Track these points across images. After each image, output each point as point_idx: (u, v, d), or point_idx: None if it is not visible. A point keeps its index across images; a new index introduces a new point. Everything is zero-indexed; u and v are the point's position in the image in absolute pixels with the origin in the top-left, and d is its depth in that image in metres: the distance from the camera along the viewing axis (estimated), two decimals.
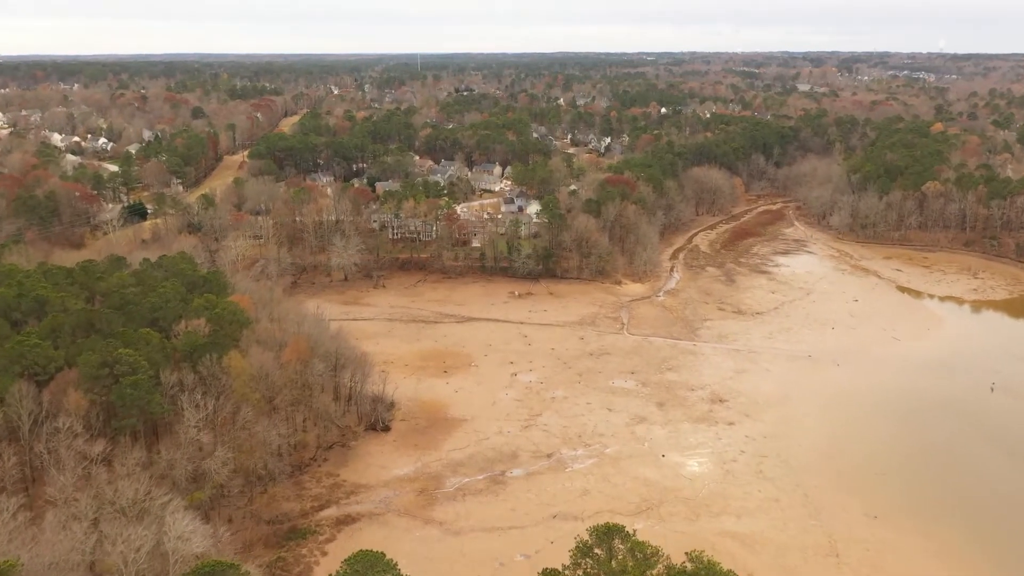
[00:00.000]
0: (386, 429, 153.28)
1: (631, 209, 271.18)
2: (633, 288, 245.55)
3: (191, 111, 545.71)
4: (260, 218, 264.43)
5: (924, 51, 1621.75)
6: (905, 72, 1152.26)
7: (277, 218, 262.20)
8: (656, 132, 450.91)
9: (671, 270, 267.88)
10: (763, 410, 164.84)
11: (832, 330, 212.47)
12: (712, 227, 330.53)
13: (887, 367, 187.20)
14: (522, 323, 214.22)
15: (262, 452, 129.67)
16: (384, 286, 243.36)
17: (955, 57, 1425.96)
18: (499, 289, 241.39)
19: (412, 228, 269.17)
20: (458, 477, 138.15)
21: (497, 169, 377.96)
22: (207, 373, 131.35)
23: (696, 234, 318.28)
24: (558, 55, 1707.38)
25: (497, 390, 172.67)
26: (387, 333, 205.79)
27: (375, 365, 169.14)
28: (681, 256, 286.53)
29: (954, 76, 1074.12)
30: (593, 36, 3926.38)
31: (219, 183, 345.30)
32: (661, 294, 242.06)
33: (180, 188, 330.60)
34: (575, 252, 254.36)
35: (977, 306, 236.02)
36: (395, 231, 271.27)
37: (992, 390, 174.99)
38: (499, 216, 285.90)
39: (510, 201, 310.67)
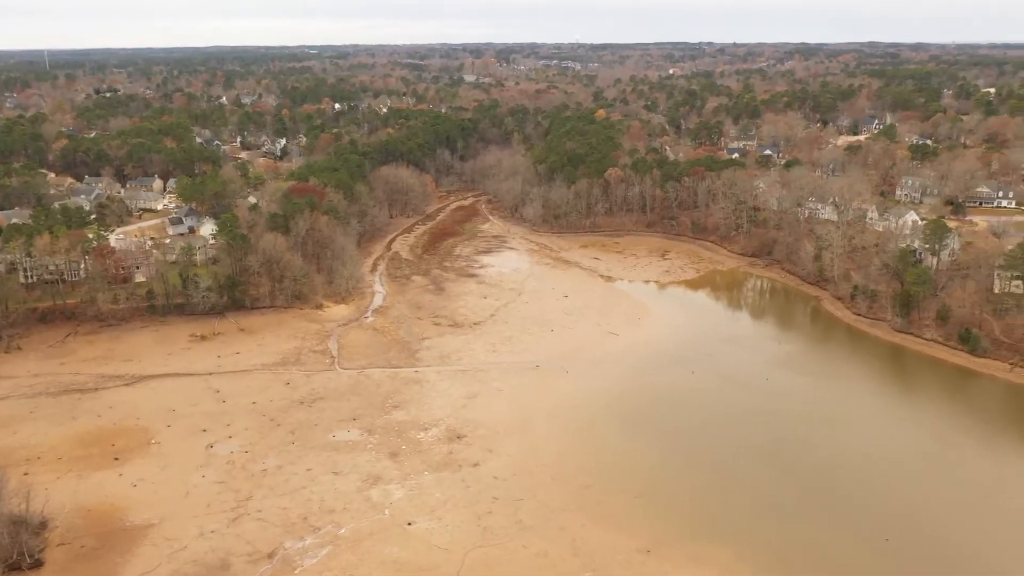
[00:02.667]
0: (36, 565, 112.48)
1: (323, 220, 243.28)
2: (338, 311, 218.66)
3: None
4: None
5: (567, 41, 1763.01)
6: (555, 61, 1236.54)
7: None
8: (335, 130, 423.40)
9: (375, 285, 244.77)
10: (505, 441, 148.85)
11: (552, 332, 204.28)
12: (409, 230, 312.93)
13: (615, 367, 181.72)
14: (211, 374, 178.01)
15: None
16: (19, 348, 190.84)
17: (594, 47, 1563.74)
18: (177, 333, 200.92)
19: (52, 268, 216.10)
20: None
21: (157, 183, 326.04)
22: None
23: (394, 239, 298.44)
24: (213, 50, 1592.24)
25: (190, 473, 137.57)
26: (28, 415, 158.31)
27: (10, 468, 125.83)
28: (383, 266, 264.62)
29: (596, 64, 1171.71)
30: (249, 29, 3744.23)
31: None
32: (370, 314, 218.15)
33: None
34: (265, 277, 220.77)
35: (674, 288, 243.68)
36: (29, 274, 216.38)
37: (693, 373, 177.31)
38: (166, 241, 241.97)
39: (178, 221, 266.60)
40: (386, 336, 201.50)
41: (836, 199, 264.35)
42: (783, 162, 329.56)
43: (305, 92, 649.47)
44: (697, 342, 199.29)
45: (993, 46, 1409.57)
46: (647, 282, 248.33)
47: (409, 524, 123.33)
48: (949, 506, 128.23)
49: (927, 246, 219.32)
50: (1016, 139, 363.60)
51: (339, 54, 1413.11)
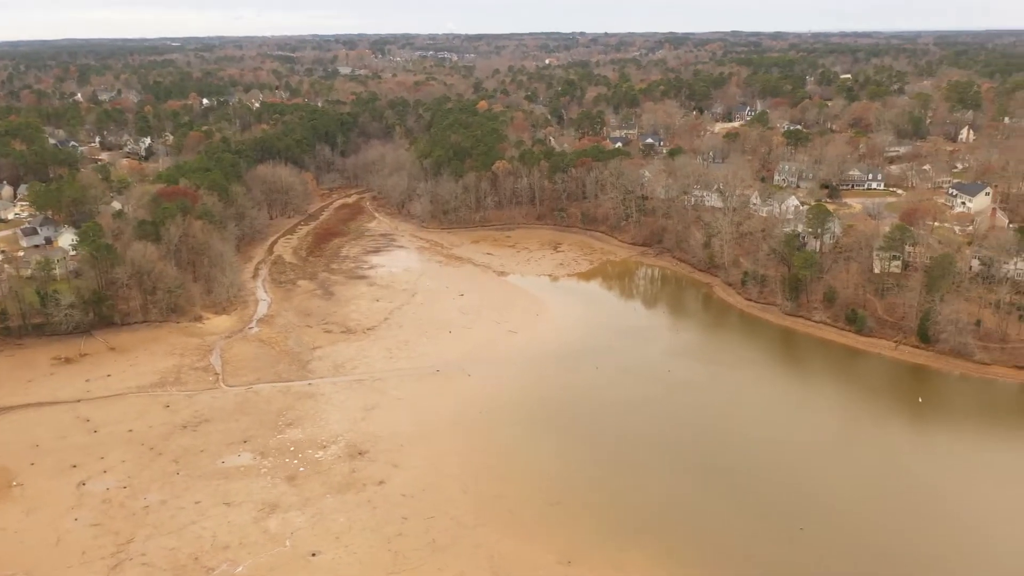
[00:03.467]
0: None
1: (198, 226, 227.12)
2: (219, 323, 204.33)
3: None
4: None
5: (441, 32, 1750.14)
6: (431, 53, 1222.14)
7: None
8: (204, 128, 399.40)
9: (259, 292, 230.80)
10: (410, 453, 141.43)
11: (450, 333, 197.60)
12: (292, 231, 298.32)
13: (518, 367, 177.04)
14: (79, 401, 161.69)
15: None
16: None
17: (469, 38, 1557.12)
18: (37, 357, 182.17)
19: None
20: None
21: (6, 190, 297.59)
22: None
23: (276, 242, 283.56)
24: (65, 43, 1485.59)
25: (60, 517, 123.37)
26: None
27: None
28: (265, 272, 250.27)
29: (472, 55, 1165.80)
30: (104, 21, 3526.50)
31: None
32: (254, 325, 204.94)
33: None
34: (135, 290, 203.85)
35: (570, 281, 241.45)
36: None
37: (597, 368, 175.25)
38: (19, 255, 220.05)
39: (32, 232, 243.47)
40: (274, 347, 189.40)
41: (720, 186, 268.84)
42: (666, 150, 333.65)
43: (169, 87, 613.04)
44: (597, 336, 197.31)
45: (844, 35, 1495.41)
46: (542, 276, 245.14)
47: (313, 555, 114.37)
48: (855, 488, 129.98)
49: (810, 230, 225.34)
50: (878, 123, 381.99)
51: (204, 46, 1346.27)
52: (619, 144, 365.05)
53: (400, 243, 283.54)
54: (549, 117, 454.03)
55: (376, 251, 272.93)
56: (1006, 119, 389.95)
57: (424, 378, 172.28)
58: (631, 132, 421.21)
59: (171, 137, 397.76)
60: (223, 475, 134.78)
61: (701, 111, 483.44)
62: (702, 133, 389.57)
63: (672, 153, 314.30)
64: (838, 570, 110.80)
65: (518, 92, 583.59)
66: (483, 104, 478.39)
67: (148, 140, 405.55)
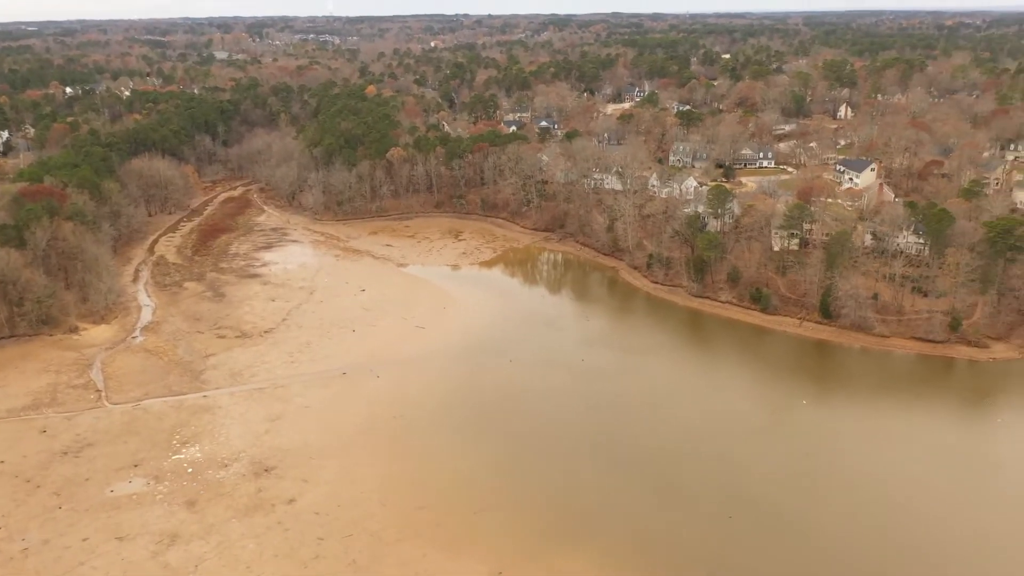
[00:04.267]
0: None
1: (68, 227, 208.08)
2: (98, 333, 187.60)
3: None
4: None
5: (321, 14, 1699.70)
6: (312, 36, 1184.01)
7: None
8: (70, 119, 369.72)
9: (141, 297, 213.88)
10: (321, 467, 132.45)
11: (354, 332, 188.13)
12: (174, 228, 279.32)
13: (429, 365, 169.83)
14: None
15: None
16: None
17: (350, 20, 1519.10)
18: None
19: None
20: None
21: None
22: None
23: (157, 241, 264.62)
24: None
25: None
26: None
27: None
28: (147, 274, 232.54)
29: (355, 38, 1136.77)
30: None
31: None
32: (138, 334, 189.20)
33: None
34: (0, 302, 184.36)
35: (474, 270, 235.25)
36: None
37: (511, 362, 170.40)
38: None
39: None
40: (162, 358, 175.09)
41: (619, 168, 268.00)
42: (563, 134, 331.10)
43: (27, 75, 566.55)
44: (508, 327, 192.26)
45: (719, 15, 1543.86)
46: (446, 266, 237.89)
47: None
48: (775, 469, 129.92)
49: (711, 211, 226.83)
50: (763, 102, 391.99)
51: (64, 30, 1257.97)
52: (514, 128, 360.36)
53: (293, 237, 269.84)
54: (441, 101, 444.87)
55: (268, 247, 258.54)
56: (879, 96, 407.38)
57: (330, 382, 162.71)
58: (525, 115, 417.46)
59: (32, 130, 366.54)
60: (113, 506, 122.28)
61: (592, 93, 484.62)
62: (595, 115, 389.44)
63: (569, 136, 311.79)
64: (770, 555, 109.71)
65: (406, 76, 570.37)
66: (372, 89, 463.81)
67: (6, 134, 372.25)
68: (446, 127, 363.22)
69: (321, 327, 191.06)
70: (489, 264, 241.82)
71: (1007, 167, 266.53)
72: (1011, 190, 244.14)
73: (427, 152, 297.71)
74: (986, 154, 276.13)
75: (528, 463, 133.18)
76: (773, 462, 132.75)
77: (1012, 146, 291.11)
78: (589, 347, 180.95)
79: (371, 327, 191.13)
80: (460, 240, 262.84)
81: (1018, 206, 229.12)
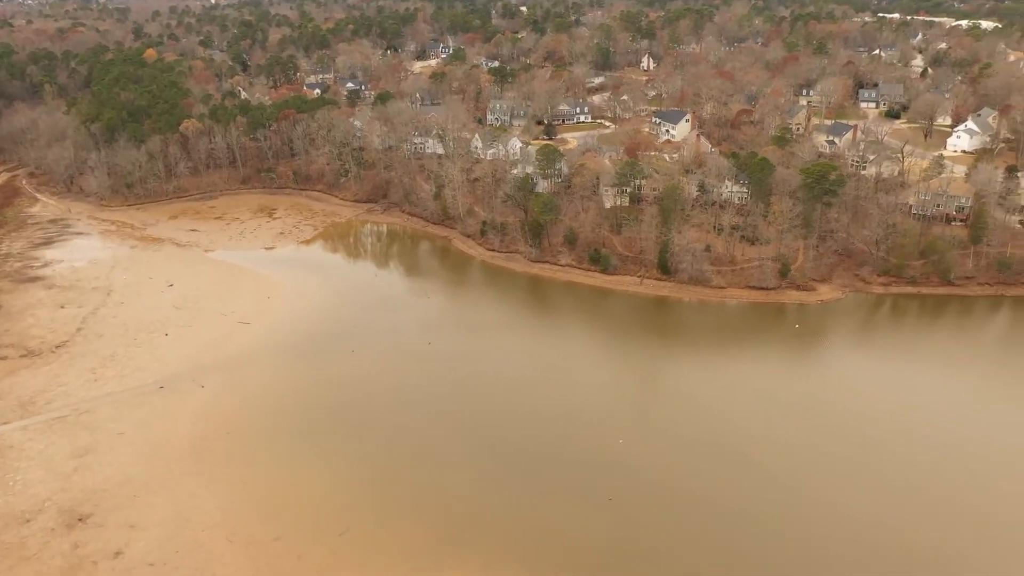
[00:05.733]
0: None
1: None
2: None
3: None
4: None
5: None
6: None
7: None
8: None
9: None
10: (149, 506, 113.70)
11: (167, 336, 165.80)
12: None
13: (262, 366, 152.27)
14: None
15: None
16: None
17: None
18: None
19: None
20: None
21: None
22: None
23: None
24: None
25: None
26: None
27: None
28: None
29: None
30: None
31: None
32: None
33: None
34: None
35: (296, 251, 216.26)
36: None
37: (353, 352, 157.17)
38: None
39: None
40: None
41: (440, 131, 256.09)
42: (374, 96, 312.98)
43: None
44: (343, 313, 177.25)
45: None
46: (263, 250, 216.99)
47: None
48: (646, 440, 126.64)
49: (540, 171, 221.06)
50: (570, 55, 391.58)
51: None
52: (318, 91, 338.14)
53: (78, 229, 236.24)
54: (233, 65, 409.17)
55: (48, 243, 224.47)
56: (678, 46, 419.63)
57: (146, 400, 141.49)
58: (327, 76, 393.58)
59: None
60: None
61: (396, 50, 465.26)
62: (404, 74, 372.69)
63: (381, 98, 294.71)
64: (649, 534, 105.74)
65: (189, 37, 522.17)
66: (151, 53, 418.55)
67: None
68: (243, 94, 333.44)
69: (126, 334, 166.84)
70: (311, 243, 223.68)
71: (807, 112, 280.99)
72: (811, 134, 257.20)
73: (226, 123, 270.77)
74: (782, 100, 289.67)
75: (390, 468, 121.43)
76: (641, 432, 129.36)
77: (805, 91, 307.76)
78: (434, 328, 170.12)
79: (186, 328, 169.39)
80: (275, 218, 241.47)
81: (821, 150, 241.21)
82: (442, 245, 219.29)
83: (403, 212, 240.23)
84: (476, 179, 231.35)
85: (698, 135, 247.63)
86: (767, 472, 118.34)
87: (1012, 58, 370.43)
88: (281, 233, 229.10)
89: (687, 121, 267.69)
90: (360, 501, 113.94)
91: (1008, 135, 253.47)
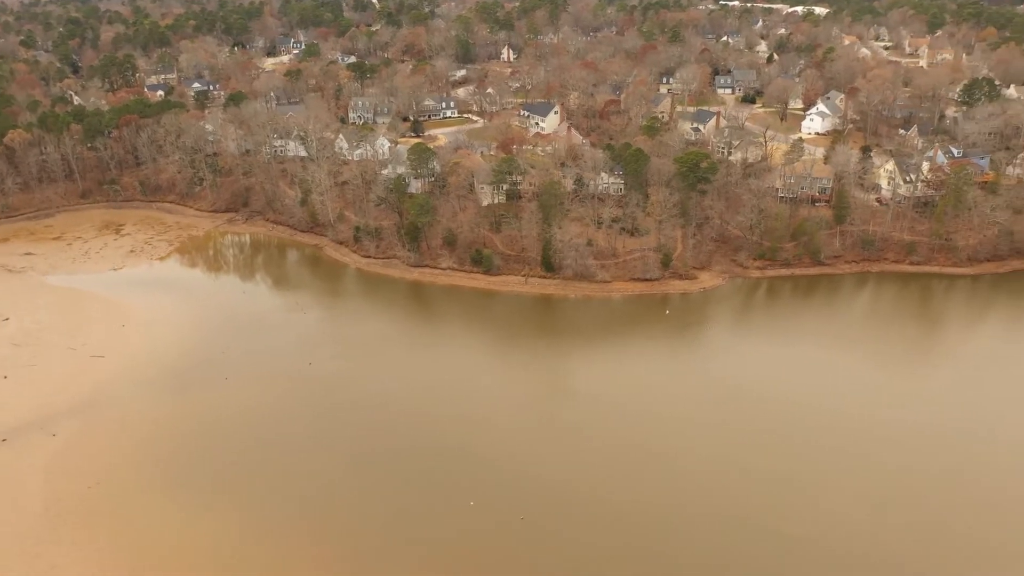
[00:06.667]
0: None
1: None
2: None
3: None
4: None
5: None
6: None
7: None
8: None
9: None
10: None
11: (6, 380, 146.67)
12: None
13: (123, 407, 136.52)
14: None
15: None
16: None
17: None
18: None
19: None
20: None
21: None
22: None
23: None
24: None
25: None
26: None
27: None
28: None
29: None
30: None
31: None
32: None
33: None
34: None
35: (151, 270, 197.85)
36: None
37: (227, 379, 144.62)
38: None
39: None
40: None
41: (301, 132, 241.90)
42: (225, 96, 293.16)
43: None
44: (211, 336, 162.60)
45: None
46: (113, 271, 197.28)
47: None
48: (551, 448, 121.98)
49: (412, 171, 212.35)
50: (429, 49, 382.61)
51: None
52: (162, 93, 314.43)
53: None
54: (62, 67, 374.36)
55: None
56: (537, 37, 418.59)
57: None
58: (171, 77, 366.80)
59: None
60: None
61: (244, 47, 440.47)
62: (255, 72, 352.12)
63: (234, 99, 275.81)
64: (567, 551, 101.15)
65: (7, 36, 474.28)
66: None
67: None
68: (76, 99, 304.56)
69: None
70: (167, 259, 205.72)
71: (671, 100, 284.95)
72: (676, 122, 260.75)
73: (59, 131, 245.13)
74: (645, 89, 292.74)
75: (282, 508, 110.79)
76: (546, 440, 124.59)
77: (665, 79, 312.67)
78: (313, 346, 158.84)
79: (29, 368, 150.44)
80: (123, 235, 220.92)
81: (687, 137, 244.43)
82: (313, 254, 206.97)
83: (267, 221, 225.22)
84: (345, 182, 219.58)
85: (569, 127, 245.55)
86: (678, 469, 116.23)
87: (847, 42, 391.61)
88: (131, 251, 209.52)
89: (556, 113, 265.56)
90: (252, 548, 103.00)
91: (855, 116, 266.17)
